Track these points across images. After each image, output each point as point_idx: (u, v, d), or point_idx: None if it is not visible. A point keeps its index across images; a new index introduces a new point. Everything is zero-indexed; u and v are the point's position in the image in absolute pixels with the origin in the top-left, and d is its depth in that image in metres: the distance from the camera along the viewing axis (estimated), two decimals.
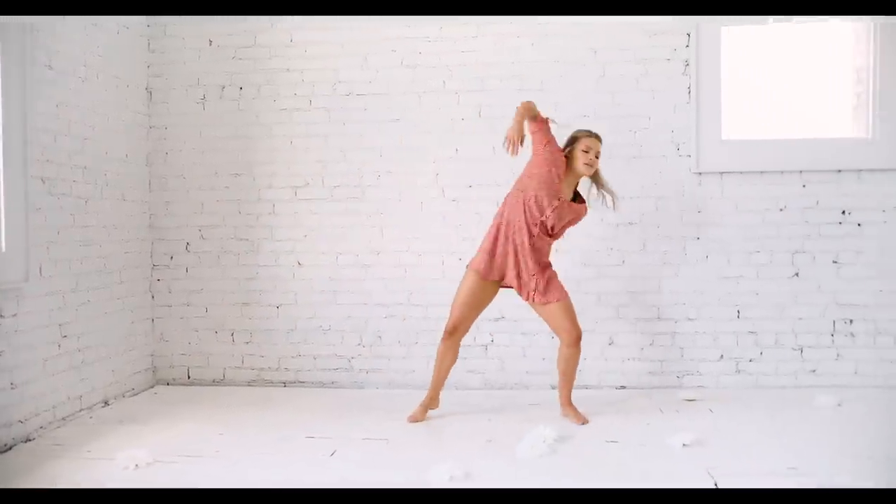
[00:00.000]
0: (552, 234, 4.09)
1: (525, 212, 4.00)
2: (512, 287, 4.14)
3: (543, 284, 4.04)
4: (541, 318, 4.26)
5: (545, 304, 4.05)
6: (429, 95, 5.02)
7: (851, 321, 4.86)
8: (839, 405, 4.42)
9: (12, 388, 3.79)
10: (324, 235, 5.08)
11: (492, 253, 4.08)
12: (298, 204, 5.09)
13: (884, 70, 4.80)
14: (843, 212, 4.87)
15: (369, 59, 5.04)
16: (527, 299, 4.11)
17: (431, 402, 4.27)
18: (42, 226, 4.05)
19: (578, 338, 4.08)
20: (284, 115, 5.08)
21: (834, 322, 4.87)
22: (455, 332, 4.14)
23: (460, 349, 4.41)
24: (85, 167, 4.43)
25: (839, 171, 4.85)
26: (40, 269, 4.02)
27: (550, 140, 4.04)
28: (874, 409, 4.35)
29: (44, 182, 4.07)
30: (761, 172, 4.91)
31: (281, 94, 5.08)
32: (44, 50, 4.08)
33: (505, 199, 4.16)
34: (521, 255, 4.04)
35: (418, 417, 4.20)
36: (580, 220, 4.19)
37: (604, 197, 4.18)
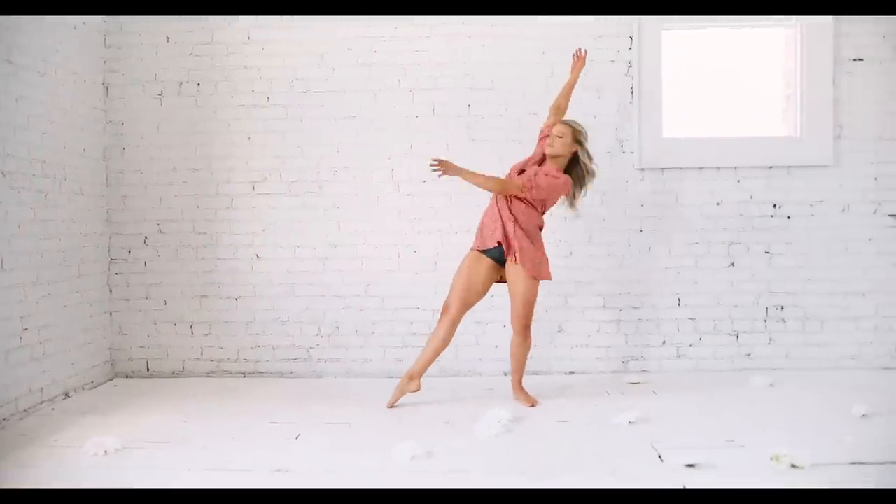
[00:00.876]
0: (532, 200, 4.22)
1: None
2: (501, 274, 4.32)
3: (527, 250, 4.19)
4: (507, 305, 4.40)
5: (515, 265, 4.20)
6: (384, 93, 5.18)
7: (782, 308, 5.19)
8: (771, 385, 4.74)
9: None
10: (282, 229, 5.19)
11: (481, 226, 4.32)
12: (257, 198, 5.20)
13: (810, 74, 5.14)
14: (775, 205, 5.19)
15: (326, 58, 5.18)
16: (508, 256, 4.23)
17: (409, 381, 4.31)
18: (3, 219, 4.08)
19: (523, 328, 4.28)
20: (242, 111, 5.18)
21: (767, 309, 5.20)
22: (446, 311, 4.25)
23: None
24: (44, 161, 4.47)
25: (770, 167, 5.18)
26: (2, 262, 4.06)
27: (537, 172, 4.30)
28: (803, 387, 4.68)
29: (4, 175, 4.10)
30: (699, 168, 5.21)
31: (239, 91, 5.18)
32: (3, 44, 4.11)
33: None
34: (503, 216, 4.22)
35: (393, 401, 4.33)
36: (559, 188, 4.24)
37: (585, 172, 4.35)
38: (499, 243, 4.24)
